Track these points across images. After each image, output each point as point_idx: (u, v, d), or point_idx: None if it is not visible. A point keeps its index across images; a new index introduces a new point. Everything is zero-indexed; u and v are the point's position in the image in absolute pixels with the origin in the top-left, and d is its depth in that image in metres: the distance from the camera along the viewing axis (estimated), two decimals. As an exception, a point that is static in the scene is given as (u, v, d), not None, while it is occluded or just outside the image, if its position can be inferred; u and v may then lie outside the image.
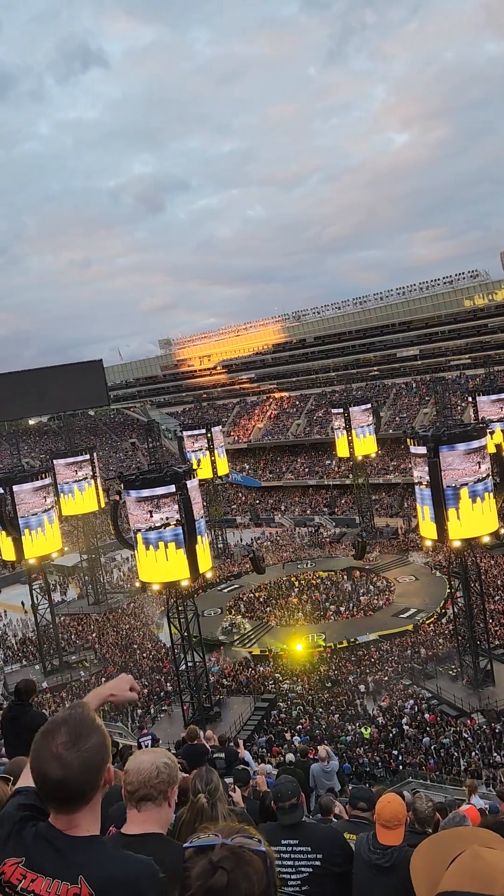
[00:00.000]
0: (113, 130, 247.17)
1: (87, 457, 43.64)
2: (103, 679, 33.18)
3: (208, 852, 1.19)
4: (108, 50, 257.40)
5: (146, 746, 12.99)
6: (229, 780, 6.94)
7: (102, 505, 43.31)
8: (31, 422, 74.09)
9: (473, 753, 23.90)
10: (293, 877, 3.87)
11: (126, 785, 2.38)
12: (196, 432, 50.43)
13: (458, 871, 1.08)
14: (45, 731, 1.77)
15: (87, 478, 43.15)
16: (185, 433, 51.54)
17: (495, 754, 23.61)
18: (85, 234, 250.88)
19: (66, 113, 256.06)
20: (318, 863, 3.90)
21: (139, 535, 26.17)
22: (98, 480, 43.78)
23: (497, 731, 24.95)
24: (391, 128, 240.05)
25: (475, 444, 26.75)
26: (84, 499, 43.04)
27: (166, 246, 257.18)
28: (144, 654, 36.11)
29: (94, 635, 39.55)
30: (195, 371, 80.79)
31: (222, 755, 9.85)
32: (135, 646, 37.27)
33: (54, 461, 43.14)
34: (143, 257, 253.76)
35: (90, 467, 43.43)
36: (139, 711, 29.39)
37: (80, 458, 43.36)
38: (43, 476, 34.68)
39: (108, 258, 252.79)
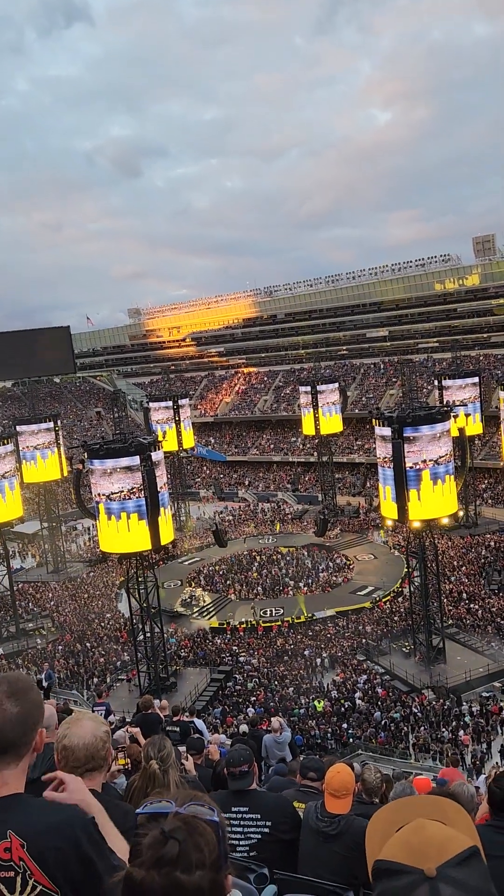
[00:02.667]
0: (92, 90, 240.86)
1: (51, 424, 43.10)
2: (60, 647, 33.18)
3: (161, 820, 1.18)
4: (94, 5, 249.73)
5: (101, 716, 13.03)
6: (182, 748, 7.00)
7: (65, 473, 42.92)
8: (-5, 386, 72.75)
9: (422, 728, 24.55)
10: (242, 843, 3.92)
11: (71, 761, 2.37)
12: (163, 404, 50.07)
13: (396, 841, 1.09)
14: None
15: (50, 445, 42.66)
16: (151, 404, 51.16)
17: (443, 729, 24.29)
18: (58, 196, 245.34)
19: (46, 69, 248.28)
20: (266, 830, 3.96)
21: (101, 505, 26.02)
22: (61, 448, 43.33)
23: (446, 707, 25.64)
24: (375, 104, 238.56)
25: (439, 427, 27.09)
26: (46, 466, 42.59)
27: (141, 213, 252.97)
28: (102, 624, 36.10)
29: (52, 603, 39.39)
30: (164, 342, 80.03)
31: (177, 728, 9.93)
32: (93, 615, 37.24)
33: (17, 427, 42.51)
34: (116, 223, 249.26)
35: (54, 435, 42.91)
36: (95, 680, 29.47)
37: (43, 426, 42.81)
38: (5, 442, 34.20)
39: (80, 222, 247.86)
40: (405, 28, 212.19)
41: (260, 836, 3.95)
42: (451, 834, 1.08)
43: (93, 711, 13.77)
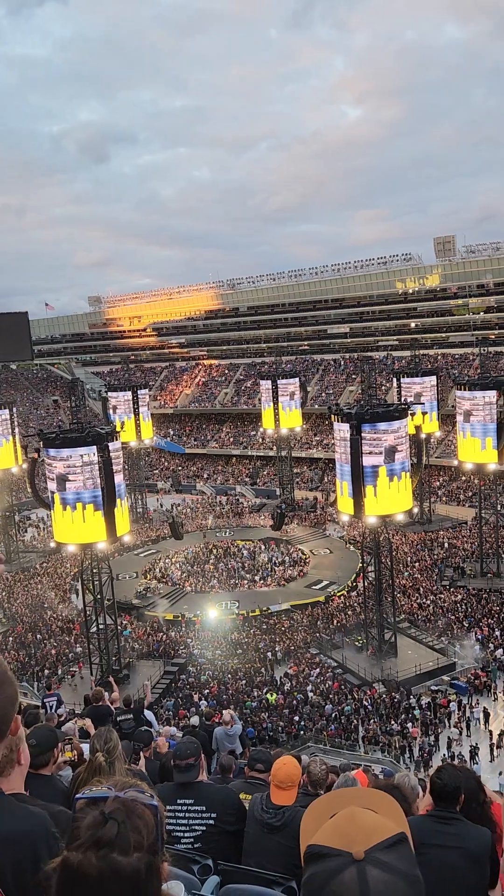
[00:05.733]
0: (61, 72, 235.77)
1: (6, 412, 42.32)
2: (10, 638, 32.70)
3: (100, 804, 1.19)
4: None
5: (51, 708, 12.88)
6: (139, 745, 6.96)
7: (20, 462, 42.18)
8: None
9: (372, 721, 24.92)
10: (186, 835, 3.93)
11: None
12: (121, 394, 49.62)
13: (328, 827, 1.12)
14: None
15: (4, 433, 41.88)
16: (109, 394, 50.65)
17: (392, 722, 24.70)
18: (21, 179, 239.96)
19: (13, 48, 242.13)
20: (211, 822, 3.97)
21: (56, 495, 25.69)
22: (16, 437, 42.58)
23: (396, 700, 26.06)
24: (346, 101, 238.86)
25: (396, 424, 27.44)
26: (1, 454, 41.82)
27: (106, 200, 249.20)
28: (55, 615, 35.69)
29: (3, 594, 38.78)
30: (124, 331, 79.27)
31: (129, 716, 9.88)
32: (45, 605, 36.78)
33: (-29, 414, 41.64)
34: (80, 209, 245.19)
35: (9, 422, 42.15)
36: (46, 672, 29.13)
37: (-2, 413, 42.03)
38: (-42, 428, 33.48)
39: (43, 207, 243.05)
40: (380, 26, 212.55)
41: (205, 828, 3.96)
42: (380, 821, 1.11)
43: (42, 703, 13.62)
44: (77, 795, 1.24)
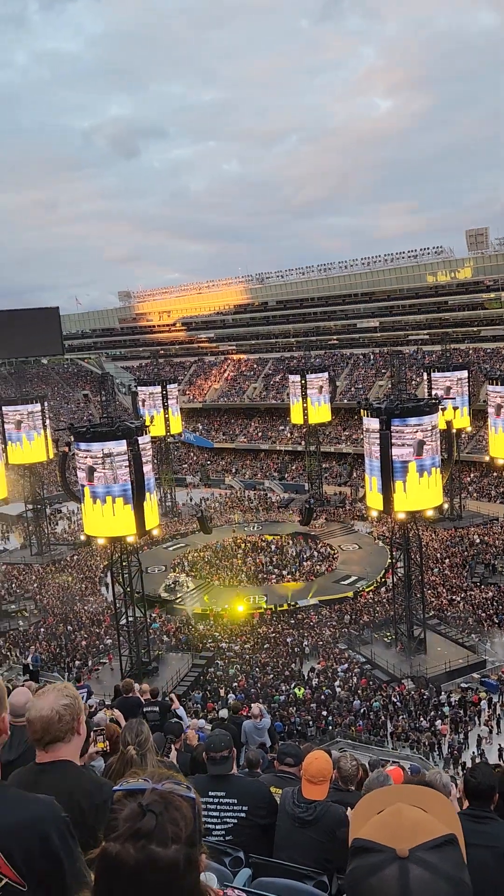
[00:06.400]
0: (93, 67, 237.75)
1: (38, 406, 42.84)
2: (42, 629, 33.18)
3: (137, 796, 1.19)
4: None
5: (82, 698, 13.05)
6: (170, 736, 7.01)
7: (51, 455, 42.72)
8: (-19, 366, 72.15)
9: (401, 717, 24.78)
10: (218, 827, 3.95)
11: (31, 733, 2.40)
12: (151, 389, 49.89)
13: (374, 822, 1.11)
14: None
15: (36, 427, 42.41)
16: (139, 388, 50.96)
17: (422, 719, 24.54)
18: (52, 175, 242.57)
19: (46, 43, 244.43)
20: (242, 814, 3.99)
21: (87, 489, 25.94)
22: (48, 430, 43.09)
23: (425, 697, 25.89)
24: (375, 92, 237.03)
25: (426, 419, 27.17)
26: (32, 448, 42.36)
27: (136, 194, 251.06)
28: (85, 607, 36.11)
29: (35, 585, 39.33)
30: (154, 326, 79.61)
31: (156, 708, 9.96)
32: (76, 598, 37.22)
33: (3, 408, 42.22)
34: (110, 204, 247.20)
35: (40, 416, 42.67)
36: (77, 663, 29.50)
37: (30, 407, 42.55)
38: (-9, 422, 33.98)
39: (73, 201, 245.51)
40: (411, 14, 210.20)
41: (236, 821, 3.98)
42: (428, 820, 1.09)
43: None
44: (115, 787, 1.26)
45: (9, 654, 30.46)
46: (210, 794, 4.01)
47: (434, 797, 1.18)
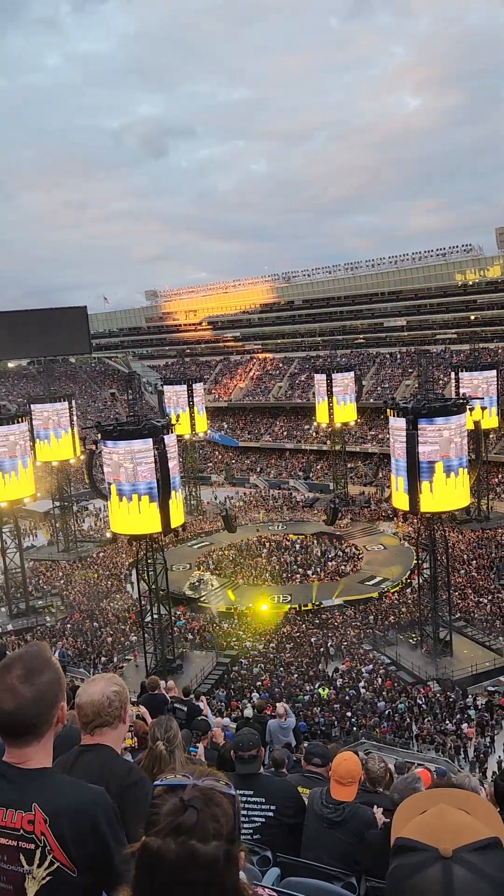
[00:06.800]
0: (123, 67, 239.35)
1: (66, 404, 43.27)
2: (68, 625, 33.51)
3: (178, 791, 1.20)
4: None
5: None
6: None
7: (78, 453, 43.09)
8: (11, 364, 73.04)
9: (426, 720, 24.59)
10: (245, 826, 3.95)
11: (81, 717, 2.53)
12: (177, 387, 50.10)
13: (417, 822, 1.10)
14: (1, 667, 1.85)
15: (64, 425, 42.85)
16: (165, 387, 51.20)
17: (447, 722, 24.33)
18: (82, 175, 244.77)
19: (78, 45, 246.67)
20: (270, 813, 3.98)
21: (113, 486, 26.13)
22: (75, 428, 43.50)
23: (451, 699, 25.66)
24: (405, 89, 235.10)
25: (454, 419, 26.92)
26: (60, 446, 42.81)
27: (165, 194, 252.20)
28: (111, 604, 36.38)
29: (61, 582, 39.71)
30: (180, 325, 79.93)
31: (184, 707, 9.99)
32: (102, 594, 37.53)
33: (32, 406, 42.71)
34: (139, 203, 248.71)
35: (68, 415, 43.10)
36: (102, 659, 29.73)
37: (58, 405, 43.00)
38: (19, 420, 34.37)
39: (103, 201, 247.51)
40: (442, 10, 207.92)
41: (264, 820, 3.97)
42: (471, 822, 1.08)
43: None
44: (155, 782, 1.27)
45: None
46: (238, 792, 4.01)
47: (478, 801, 1.17)
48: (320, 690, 26.65)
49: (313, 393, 55.08)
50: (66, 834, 1.72)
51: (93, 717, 2.51)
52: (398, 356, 64.10)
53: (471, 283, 61.17)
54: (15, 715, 1.77)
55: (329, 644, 31.05)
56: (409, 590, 35.66)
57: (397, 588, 36.49)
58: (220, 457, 65.57)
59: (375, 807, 4.20)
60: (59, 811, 1.73)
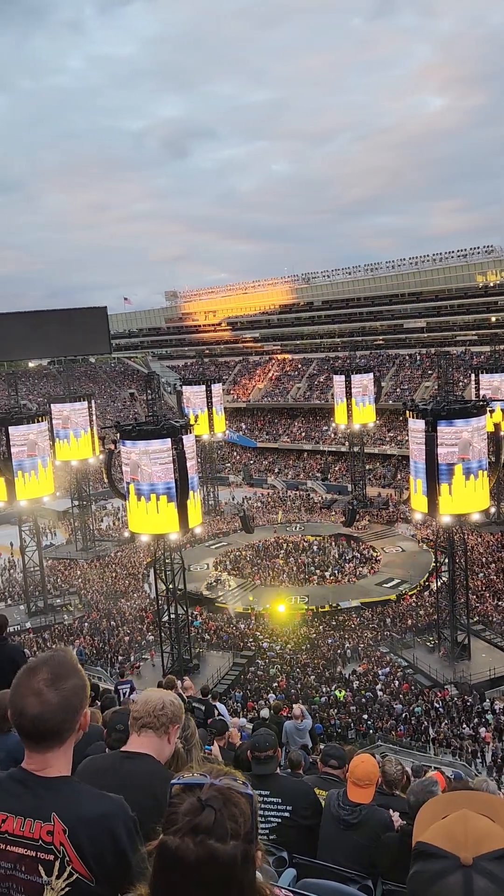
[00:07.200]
0: (145, 69, 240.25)
1: (85, 404, 43.54)
2: (86, 624, 33.70)
3: (196, 790, 1.21)
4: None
5: (124, 694, 13.21)
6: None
7: (97, 453, 43.35)
8: (31, 364, 73.62)
9: (443, 724, 24.43)
10: (261, 826, 3.95)
11: (133, 712, 2.59)
12: (196, 388, 50.21)
13: (439, 827, 1.09)
14: (27, 669, 1.83)
15: (83, 425, 43.11)
16: (184, 388, 51.33)
17: (464, 726, 24.15)
18: (104, 176, 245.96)
19: (101, 47, 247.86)
20: (286, 814, 3.98)
21: (131, 486, 26.24)
22: (94, 428, 43.75)
23: (468, 703, 25.47)
24: (429, 90, 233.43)
25: (474, 421, 26.72)
26: (79, 445, 43.07)
27: (185, 194, 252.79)
28: (128, 603, 36.53)
29: (79, 580, 39.95)
30: (199, 326, 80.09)
31: (202, 706, 10.01)
32: (119, 594, 37.70)
33: (52, 405, 43.02)
34: (160, 204, 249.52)
35: (87, 414, 43.35)
36: (120, 658, 29.87)
37: (77, 405, 43.27)
38: (39, 419, 34.64)
39: (124, 202, 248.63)
40: (466, 11, 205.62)
41: (280, 821, 3.97)
42: (494, 829, 1.07)
43: (116, 689, 13.98)
44: (173, 781, 1.27)
45: (54, 647, 31.01)
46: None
47: (502, 805, 1.16)
48: (337, 692, 26.57)
49: (332, 394, 54.96)
50: (86, 845, 1.69)
51: (143, 714, 2.53)
52: (418, 357, 63.75)
53: (492, 284, 60.62)
54: (39, 719, 1.75)
55: (346, 646, 30.94)
56: (426, 592, 35.45)
57: (415, 591, 36.28)
58: (238, 457, 65.62)
59: (392, 810, 4.19)
60: (79, 822, 1.71)
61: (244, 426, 67.55)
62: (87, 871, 1.68)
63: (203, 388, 49.73)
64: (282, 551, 42.86)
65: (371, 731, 24.17)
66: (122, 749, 2.58)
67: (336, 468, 59.27)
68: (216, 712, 9.97)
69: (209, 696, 10.93)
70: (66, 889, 1.67)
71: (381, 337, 69.01)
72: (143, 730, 2.54)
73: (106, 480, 33.20)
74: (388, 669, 28.66)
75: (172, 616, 27.95)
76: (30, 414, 35.09)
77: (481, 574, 36.17)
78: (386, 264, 67.21)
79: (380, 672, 28.50)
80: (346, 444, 54.00)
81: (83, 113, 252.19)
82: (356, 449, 51.50)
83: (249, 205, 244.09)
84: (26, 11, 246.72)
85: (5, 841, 1.71)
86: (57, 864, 1.67)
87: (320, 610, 34.70)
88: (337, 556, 41.95)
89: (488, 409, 28.13)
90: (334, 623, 33.58)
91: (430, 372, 59.10)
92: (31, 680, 1.79)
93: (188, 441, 26.42)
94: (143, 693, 2.68)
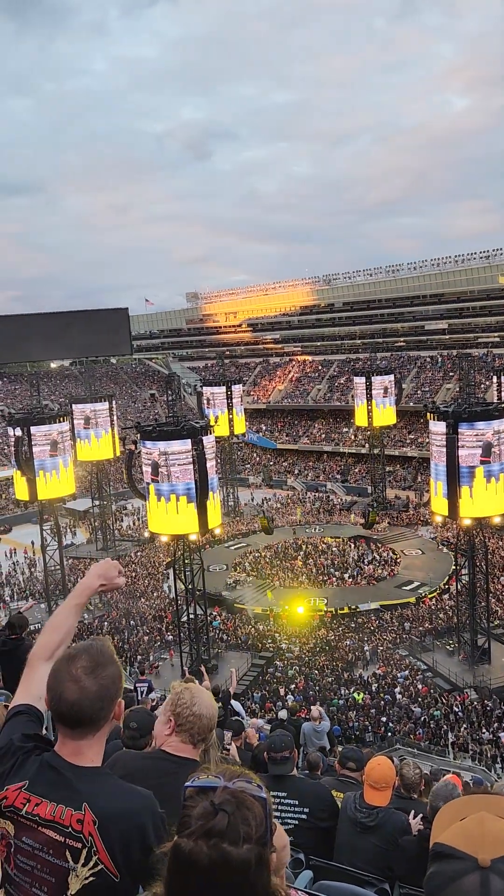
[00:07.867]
0: (169, 71, 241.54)
1: (106, 404, 43.82)
2: (105, 623, 33.88)
3: (209, 793, 1.21)
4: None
5: (142, 693, 13.28)
6: (228, 732, 7.07)
7: (118, 453, 43.60)
8: (53, 365, 74.22)
9: (463, 728, 24.23)
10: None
11: (200, 718, 2.64)
12: (216, 389, 50.31)
13: (457, 828, 1.10)
14: (67, 656, 1.88)
15: (103, 425, 43.38)
16: (204, 389, 51.45)
17: (484, 730, 23.93)
18: (126, 178, 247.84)
19: (125, 49, 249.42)
20: (304, 816, 3.98)
21: (151, 486, 26.35)
22: (115, 428, 44.00)
23: (488, 708, 25.24)
24: (453, 90, 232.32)
25: (496, 423, 26.49)
26: (100, 445, 43.35)
27: (207, 196, 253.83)
28: (148, 603, 36.68)
29: (99, 580, 40.09)
30: (220, 327, 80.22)
31: (218, 705, 10.03)
32: (139, 593, 37.87)
33: (73, 405, 43.35)
34: (182, 206, 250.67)
35: (108, 415, 43.62)
36: (139, 658, 30.01)
37: (98, 406, 43.55)
38: (61, 420, 34.91)
39: (146, 204, 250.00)
40: (491, 11, 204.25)
41: (297, 822, 3.98)
42: None
43: (135, 688, 14.05)
44: (186, 783, 1.27)
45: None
46: (271, 793, 4.02)
47: None
48: (355, 695, 26.46)
49: (352, 395, 54.75)
50: (115, 839, 1.72)
51: (207, 732, 2.65)
52: (439, 359, 63.32)
53: (515, 285, 60.06)
54: (77, 706, 1.78)
55: (365, 648, 30.81)
56: (446, 595, 35.19)
57: (435, 593, 36.03)
58: (257, 458, 65.62)
59: (410, 813, 4.17)
60: (108, 814, 1.74)
61: (264, 427, 67.54)
62: (112, 865, 1.71)
63: (223, 389, 49.80)
64: (301, 553, 42.79)
65: (390, 734, 24.04)
66: (165, 748, 2.61)
67: (356, 470, 59.06)
68: (230, 711, 9.98)
69: (220, 694, 10.94)
70: (91, 878, 1.70)
71: (402, 338, 68.63)
72: (200, 743, 2.63)
73: (126, 481, 33.40)
74: (406, 672, 28.49)
75: (191, 616, 28.02)
76: (51, 414, 35.36)
77: (502, 577, 35.84)
78: (408, 265, 66.88)
79: (399, 675, 28.34)
80: (367, 445, 53.79)
81: (106, 115, 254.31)
82: (376, 451, 51.27)
83: (271, 206, 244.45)
84: (50, 14, 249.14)
85: (37, 822, 1.74)
86: (84, 852, 1.70)
87: (339, 612, 34.58)
88: (356, 557, 41.79)
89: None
90: (353, 625, 33.45)
91: (451, 374, 58.68)
92: (70, 667, 1.82)
93: (208, 442, 26.47)
94: (201, 700, 2.68)
